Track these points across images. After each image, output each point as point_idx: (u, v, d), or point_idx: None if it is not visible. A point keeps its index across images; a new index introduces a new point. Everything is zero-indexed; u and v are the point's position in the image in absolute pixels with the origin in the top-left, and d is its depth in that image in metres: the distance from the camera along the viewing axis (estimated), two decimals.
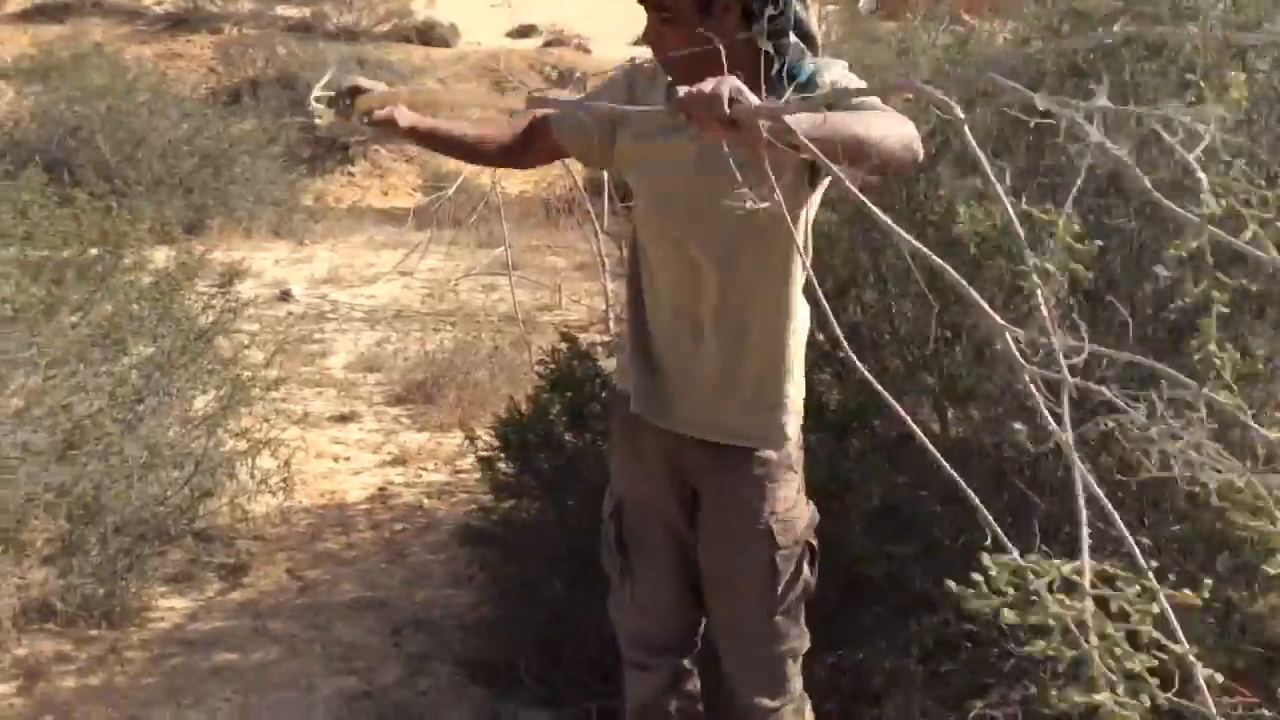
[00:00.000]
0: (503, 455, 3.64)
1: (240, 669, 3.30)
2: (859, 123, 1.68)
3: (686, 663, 2.36)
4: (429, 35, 19.46)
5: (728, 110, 1.53)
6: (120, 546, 3.53)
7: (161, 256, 4.39)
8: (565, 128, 2.24)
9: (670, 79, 2.05)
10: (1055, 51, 3.08)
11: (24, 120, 10.92)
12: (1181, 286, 2.96)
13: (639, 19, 2.00)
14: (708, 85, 1.55)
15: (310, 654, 3.39)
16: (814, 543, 2.26)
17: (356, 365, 6.46)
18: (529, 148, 2.33)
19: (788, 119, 1.48)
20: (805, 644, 2.31)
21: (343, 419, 5.57)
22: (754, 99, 1.55)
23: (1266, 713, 1.60)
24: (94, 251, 4.03)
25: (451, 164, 13.71)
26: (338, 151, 14.55)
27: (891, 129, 1.74)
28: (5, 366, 3.53)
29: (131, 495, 3.59)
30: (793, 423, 2.20)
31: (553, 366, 3.51)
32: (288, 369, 5.31)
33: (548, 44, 20.60)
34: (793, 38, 1.99)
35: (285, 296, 8.01)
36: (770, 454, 2.17)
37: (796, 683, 2.31)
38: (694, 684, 2.38)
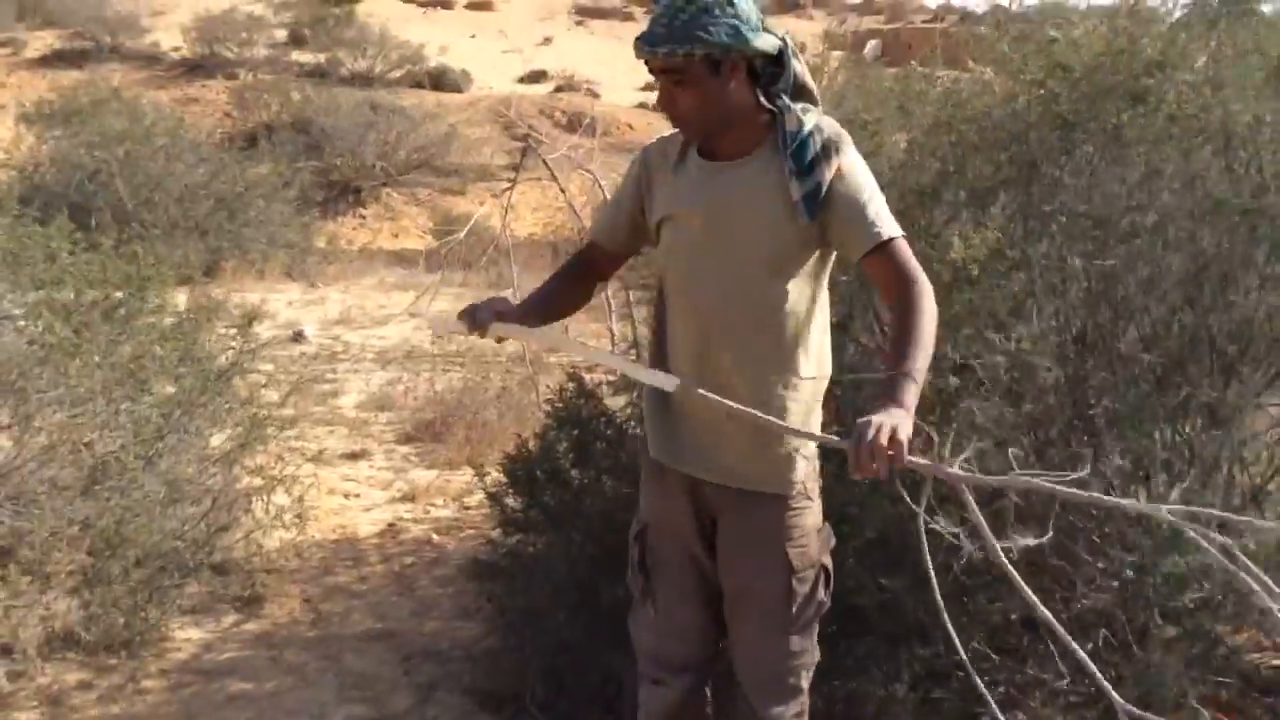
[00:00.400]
0: (510, 491, 3.77)
1: (254, 697, 3.42)
2: (931, 340, 2.04)
3: (700, 682, 2.48)
4: (441, 81, 19.84)
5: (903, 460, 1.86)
6: (141, 578, 3.65)
7: (180, 299, 4.55)
8: (604, 235, 2.45)
9: (684, 139, 2.26)
10: (1040, 104, 3.25)
11: (44, 164, 11.17)
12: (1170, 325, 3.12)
13: (645, 68, 2.17)
14: (885, 435, 1.85)
15: (322, 683, 3.51)
16: (829, 565, 2.40)
17: (368, 404, 6.61)
18: (606, 266, 2.51)
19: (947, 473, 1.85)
20: (816, 657, 2.44)
21: (354, 456, 5.71)
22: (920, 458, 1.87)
23: None
24: (118, 295, 4.19)
25: (461, 207, 13.97)
26: (350, 194, 14.80)
27: (932, 314, 2.07)
28: (34, 405, 3.68)
29: (152, 529, 3.72)
30: (802, 467, 2.32)
31: (559, 405, 3.65)
32: (301, 408, 5.45)
33: (558, 89, 20.97)
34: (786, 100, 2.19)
35: (298, 337, 8.19)
36: (784, 492, 2.31)
37: (805, 691, 2.44)
38: (706, 704, 2.51)
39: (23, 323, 3.96)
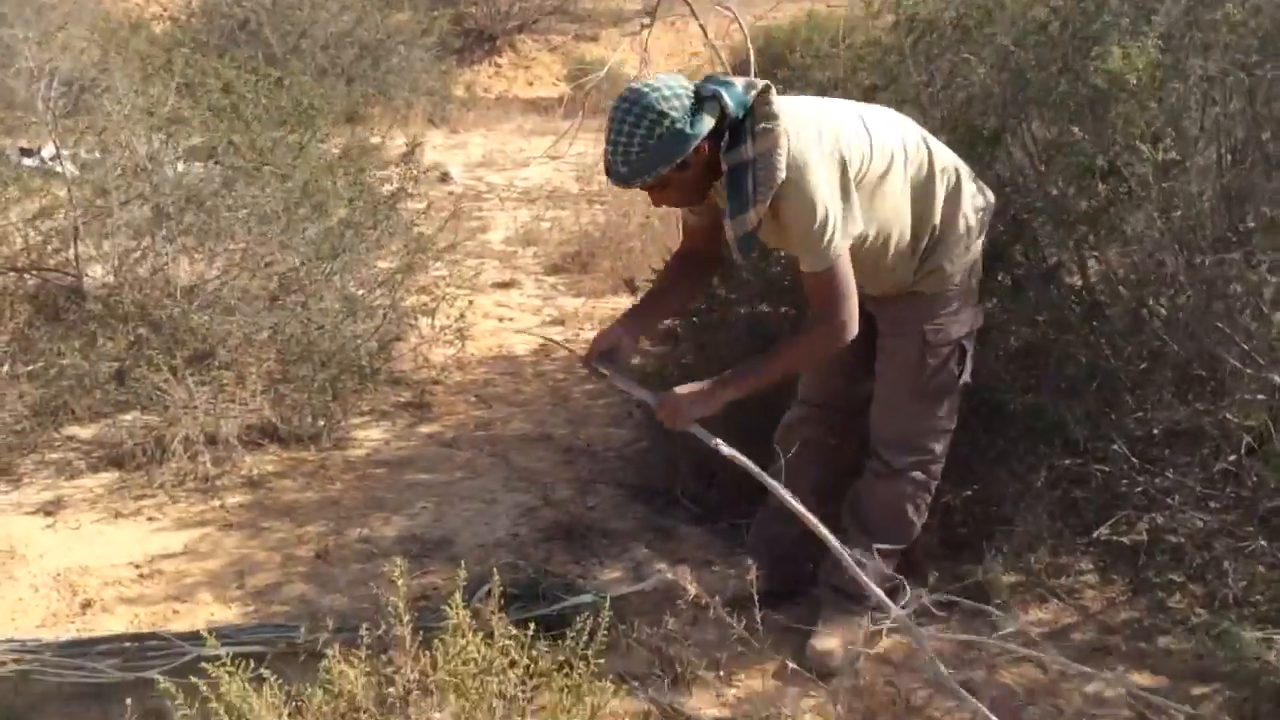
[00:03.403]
0: None
1: (431, 484, 3.76)
2: (769, 367, 2.57)
3: (829, 416, 2.90)
4: None
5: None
6: (325, 379, 4.00)
7: (335, 141, 4.82)
8: (698, 224, 2.74)
9: None
10: None
11: (195, 15, 11.55)
12: None
13: None
14: (671, 404, 2.53)
15: (491, 475, 3.83)
16: (967, 345, 2.73)
17: (514, 240, 6.88)
18: (711, 250, 2.77)
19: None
20: (950, 426, 2.80)
21: (505, 286, 6.00)
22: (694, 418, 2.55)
23: None
24: (289, 128, 4.46)
25: (594, 53, 13.95)
26: (485, 42, 14.91)
27: (803, 349, 2.58)
28: (226, 221, 4.01)
29: (333, 337, 4.05)
30: (950, 275, 2.68)
31: None
32: (456, 235, 5.72)
33: None
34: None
35: (444, 178, 8.47)
36: (930, 291, 2.69)
37: (935, 454, 2.80)
38: (832, 431, 2.92)
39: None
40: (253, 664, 2.17)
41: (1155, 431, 3.35)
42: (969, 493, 3.39)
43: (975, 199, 2.71)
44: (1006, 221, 3.15)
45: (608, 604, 2.84)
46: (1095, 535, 3.41)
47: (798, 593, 3.13)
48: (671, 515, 3.55)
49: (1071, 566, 3.31)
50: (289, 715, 2.07)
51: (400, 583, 2.23)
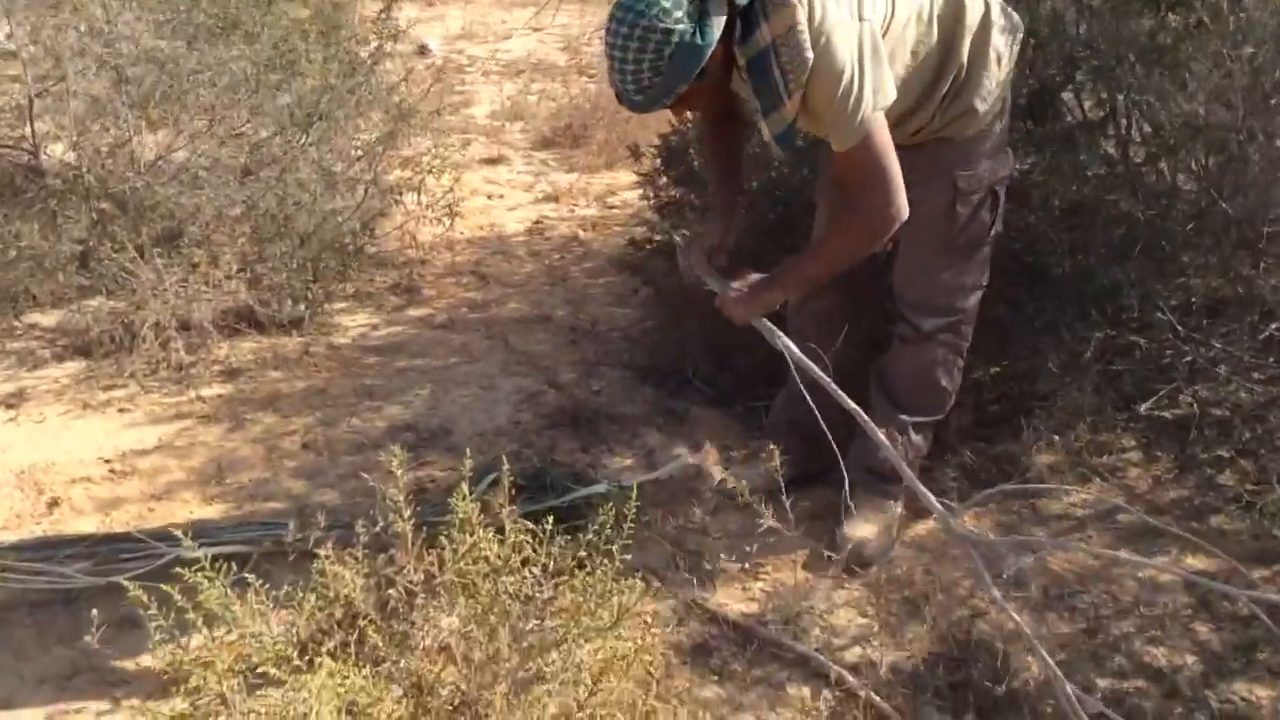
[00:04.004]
0: (665, 171, 3.68)
1: (425, 371, 3.50)
2: (813, 265, 2.35)
3: (849, 281, 2.58)
4: None
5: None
6: (305, 258, 3.71)
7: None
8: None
9: None
10: None
11: None
12: None
13: None
14: (734, 297, 2.37)
15: (488, 359, 3.57)
16: (999, 190, 2.49)
17: (501, 114, 6.50)
18: (731, 107, 2.45)
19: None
20: (982, 282, 2.57)
21: (493, 162, 5.66)
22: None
23: None
24: None
25: None
26: None
27: (846, 239, 2.31)
28: (187, 85, 3.66)
29: (312, 211, 3.75)
30: (981, 114, 2.40)
31: None
32: (440, 105, 5.36)
33: None
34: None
35: (422, 51, 8.02)
36: (959, 136, 2.42)
37: (965, 313, 2.58)
38: (847, 300, 2.68)
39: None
40: (235, 566, 1.94)
41: (1194, 300, 3.13)
42: (1000, 367, 3.17)
43: (1004, 26, 2.41)
44: (1058, 63, 2.85)
45: (627, 493, 2.67)
46: (1139, 410, 3.21)
47: (824, 476, 2.91)
48: (683, 398, 3.31)
49: (1113, 444, 3.09)
50: (279, 624, 1.84)
51: (399, 473, 1.98)
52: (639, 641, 1.87)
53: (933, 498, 2.06)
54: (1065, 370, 2.93)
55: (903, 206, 2.23)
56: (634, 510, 1.94)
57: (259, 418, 3.22)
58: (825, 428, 2.87)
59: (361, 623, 1.83)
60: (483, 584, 1.82)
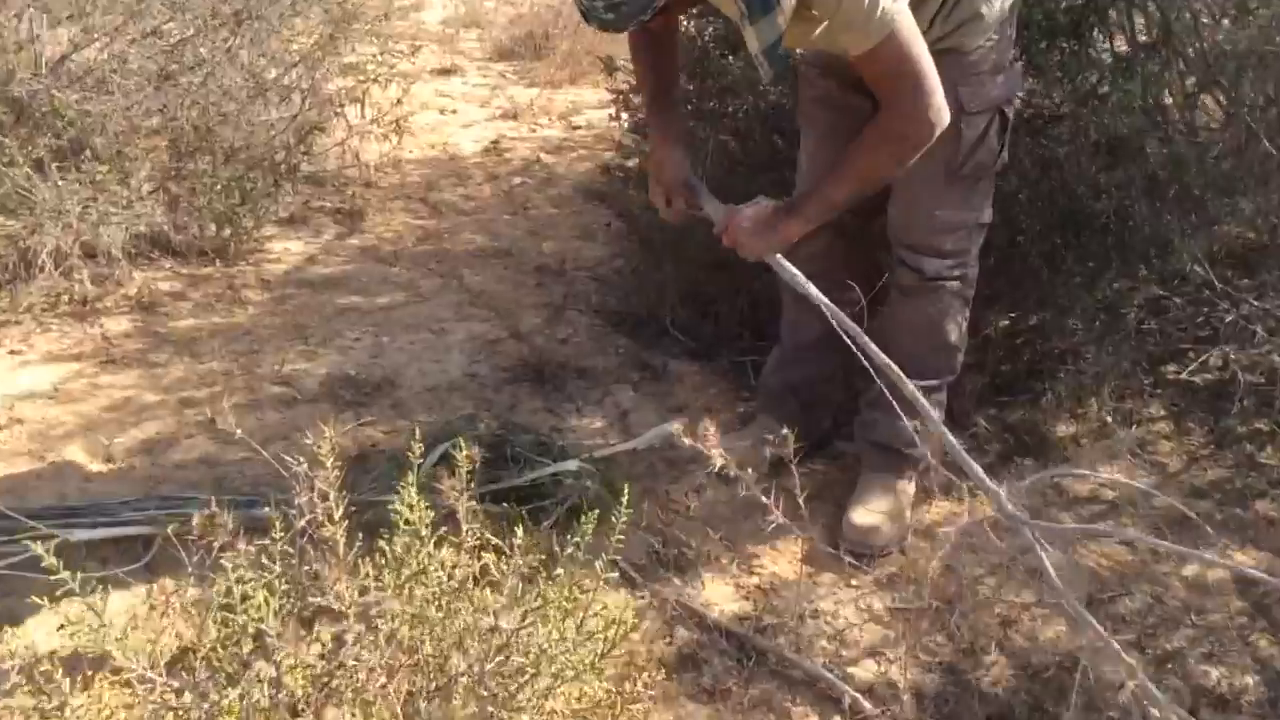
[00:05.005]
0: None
1: (366, 311, 3.08)
2: (839, 187, 1.94)
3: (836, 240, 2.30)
4: None
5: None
6: (230, 177, 3.25)
7: None
8: None
9: None
10: None
11: None
12: None
13: None
14: (736, 228, 1.99)
15: (440, 299, 3.16)
16: (1008, 112, 2.15)
17: (454, 20, 6.00)
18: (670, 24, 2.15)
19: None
20: (983, 218, 2.23)
21: (445, 73, 5.19)
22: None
23: None
24: None
25: None
26: None
27: (880, 154, 1.90)
28: None
29: (239, 123, 3.28)
30: (989, 21, 2.05)
31: None
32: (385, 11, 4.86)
33: None
34: None
35: None
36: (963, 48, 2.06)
37: (970, 256, 2.24)
38: (845, 244, 2.34)
39: None
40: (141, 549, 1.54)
41: (1217, 250, 2.81)
42: (1010, 320, 2.83)
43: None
44: None
45: (600, 468, 2.30)
46: (1168, 374, 2.88)
47: (820, 448, 2.56)
48: (660, 350, 2.93)
49: (1140, 413, 2.76)
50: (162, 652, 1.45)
51: (327, 448, 1.58)
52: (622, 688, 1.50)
53: (986, 477, 1.71)
54: (1109, 330, 2.58)
55: (943, 108, 1.85)
56: (623, 514, 1.56)
57: (171, 361, 2.79)
58: (827, 391, 2.53)
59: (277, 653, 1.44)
60: (434, 612, 1.44)
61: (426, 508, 1.63)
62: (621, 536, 1.57)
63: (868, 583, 2.18)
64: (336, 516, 1.56)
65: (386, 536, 1.62)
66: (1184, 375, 2.87)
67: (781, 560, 2.22)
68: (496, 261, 3.40)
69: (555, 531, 2.12)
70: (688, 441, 1.66)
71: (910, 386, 1.84)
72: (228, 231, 3.26)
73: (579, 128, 4.58)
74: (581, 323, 3.06)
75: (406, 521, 1.58)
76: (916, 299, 2.22)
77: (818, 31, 1.79)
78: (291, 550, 1.62)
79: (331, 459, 1.58)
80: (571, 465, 2.19)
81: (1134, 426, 2.72)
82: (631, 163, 3.37)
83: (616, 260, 3.38)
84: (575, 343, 2.96)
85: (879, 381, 2.31)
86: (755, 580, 2.17)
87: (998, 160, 2.16)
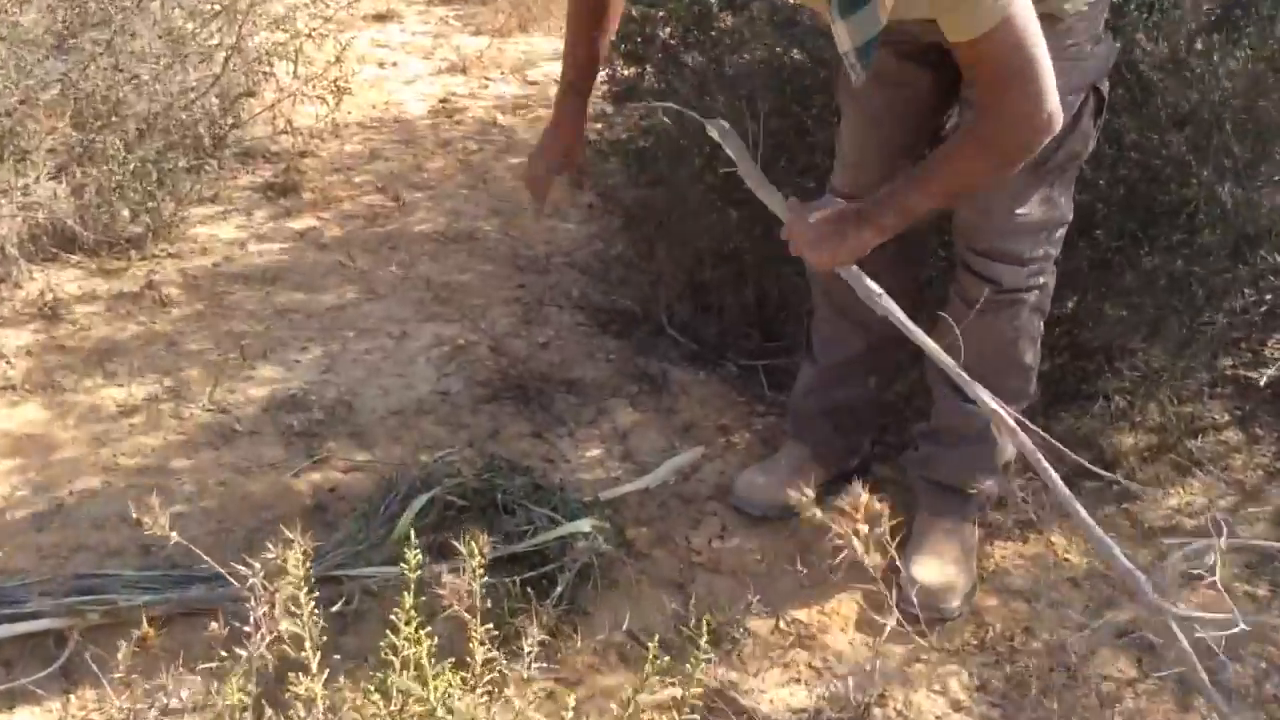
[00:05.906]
0: (623, 46, 2.81)
1: (312, 312, 2.65)
2: (926, 192, 1.61)
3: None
4: None
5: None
6: (145, 156, 2.78)
7: None
8: None
9: None
10: None
11: None
12: None
13: None
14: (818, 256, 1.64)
15: (396, 296, 2.73)
16: (1104, 89, 1.79)
17: None
18: None
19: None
20: (1068, 215, 1.88)
21: (381, 18, 4.67)
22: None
23: None
24: None
25: None
26: None
27: (980, 158, 1.58)
28: None
29: (154, 92, 2.81)
30: None
31: None
32: None
33: None
34: None
35: None
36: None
37: (1049, 262, 1.89)
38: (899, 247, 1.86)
39: None
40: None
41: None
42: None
43: None
44: None
45: (614, 526, 1.92)
46: (1225, 369, 2.57)
47: (857, 474, 2.21)
48: (657, 354, 2.54)
49: (1204, 418, 2.45)
50: None
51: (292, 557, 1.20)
52: None
53: (1122, 555, 1.38)
54: (1192, 323, 2.23)
55: (1056, 111, 1.51)
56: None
57: (80, 383, 2.35)
58: (867, 416, 2.18)
59: None
60: None
61: (425, 630, 1.26)
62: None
63: (941, 653, 1.84)
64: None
65: (374, 679, 1.24)
66: (1238, 370, 2.57)
67: (834, 627, 1.87)
68: (458, 247, 2.97)
69: (561, 604, 1.77)
70: (794, 499, 1.26)
71: (1010, 422, 1.50)
72: (146, 220, 2.80)
73: (535, 82, 4.12)
74: (564, 322, 2.66)
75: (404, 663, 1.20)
76: (989, 315, 1.85)
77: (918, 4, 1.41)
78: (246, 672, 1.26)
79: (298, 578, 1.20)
80: (585, 526, 1.81)
81: (1199, 436, 2.41)
82: (610, 133, 2.94)
83: (597, 244, 2.97)
84: (558, 347, 2.56)
85: (944, 410, 1.98)
86: (805, 655, 1.82)
87: (1089, 146, 1.80)
